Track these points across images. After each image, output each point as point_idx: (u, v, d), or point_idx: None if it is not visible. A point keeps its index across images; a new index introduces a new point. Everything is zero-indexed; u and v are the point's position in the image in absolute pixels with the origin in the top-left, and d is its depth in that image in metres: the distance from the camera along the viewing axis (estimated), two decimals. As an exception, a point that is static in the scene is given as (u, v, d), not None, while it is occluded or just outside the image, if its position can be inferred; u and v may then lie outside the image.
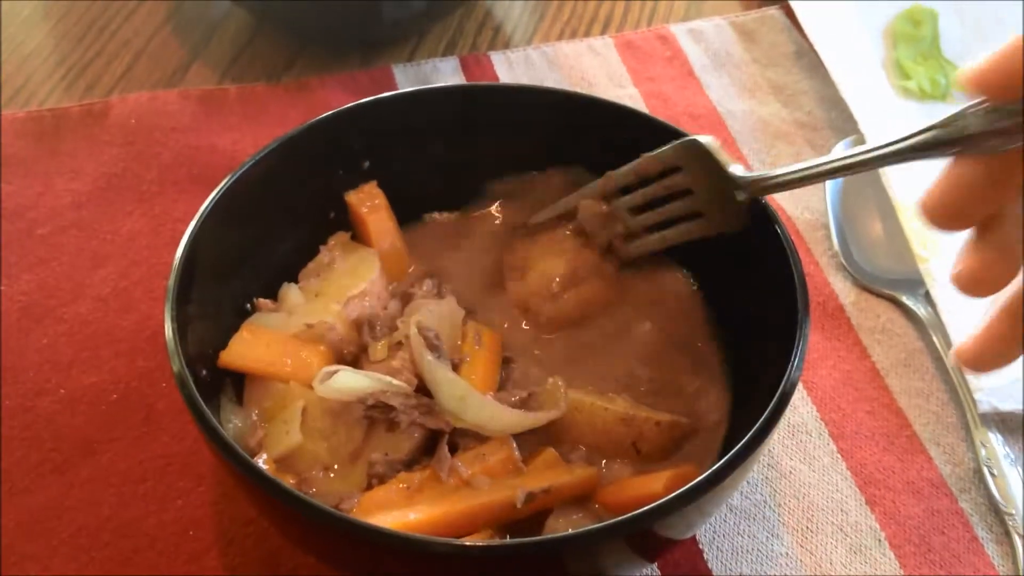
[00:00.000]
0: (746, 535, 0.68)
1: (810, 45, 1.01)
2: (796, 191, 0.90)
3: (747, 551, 0.67)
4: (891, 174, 0.86)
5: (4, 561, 0.65)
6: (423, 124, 0.75)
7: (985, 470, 0.71)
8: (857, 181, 0.89)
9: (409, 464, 0.63)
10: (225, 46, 1.05)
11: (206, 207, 0.65)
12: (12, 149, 0.91)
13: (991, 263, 0.52)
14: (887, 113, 0.92)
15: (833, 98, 0.97)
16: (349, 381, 0.62)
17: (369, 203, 0.74)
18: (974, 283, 0.53)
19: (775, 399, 0.56)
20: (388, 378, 0.63)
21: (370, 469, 0.62)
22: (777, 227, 0.65)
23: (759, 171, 0.66)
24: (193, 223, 0.64)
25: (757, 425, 0.55)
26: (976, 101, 0.50)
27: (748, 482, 0.71)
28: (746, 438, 0.54)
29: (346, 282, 0.70)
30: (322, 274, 0.71)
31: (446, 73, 1.02)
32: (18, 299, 0.80)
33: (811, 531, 0.69)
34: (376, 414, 0.63)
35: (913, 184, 0.85)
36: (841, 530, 0.69)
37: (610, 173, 0.71)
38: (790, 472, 0.72)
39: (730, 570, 0.66)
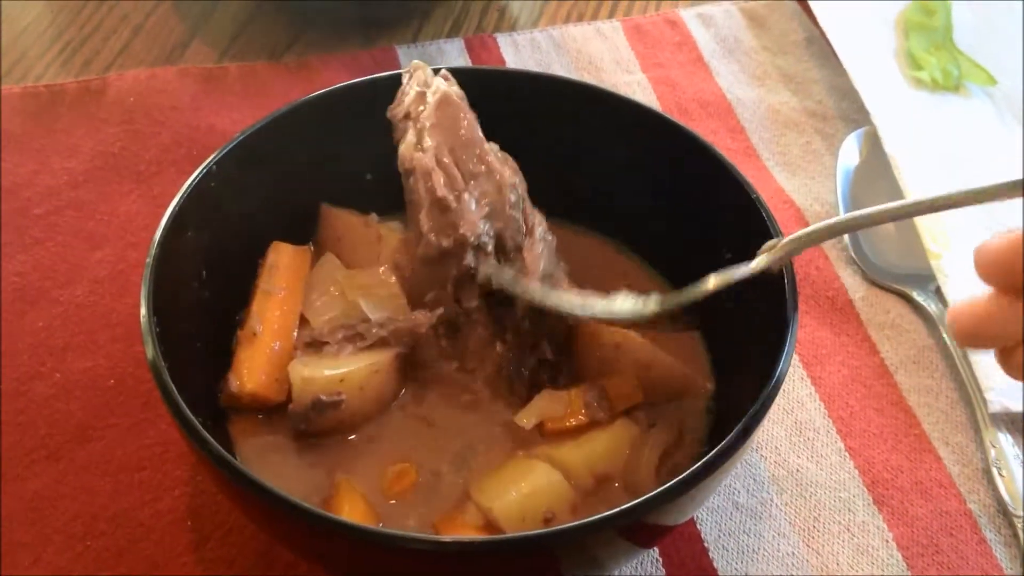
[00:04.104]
0: (752, 534, 0.67)
1: (821, 33, 1.00)
2: (808, 181, 0.90)
3: (753, 550, 0.66)
4: (902, 166, 0.85)
5: (-3, 549, 0.64)
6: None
7: (994, 471, 0.70)
8: (868, 173, 0.88)
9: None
10: (225, 23, 1.03)
11: (193, 180, 0.63)
12: (7, 126, 0.89)
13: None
14: (899, 103, 0.91)
15: (844, 88, 0.96)
16: None
17: None
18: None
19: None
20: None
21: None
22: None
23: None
24: (177, 198, 0.62)
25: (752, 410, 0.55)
26: None
27: (754, 479, 0.70)
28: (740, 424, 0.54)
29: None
30: None
31: (451, 55, 1.00)
32: (12, 280, 0.78)
33: (817, 531, 0.68)
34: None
35: (925, 177, 0.84)
36: (848, 530, 0.68)
37: None
38: (797, 470, 0.71)
39: (735, 569, 0.65)
